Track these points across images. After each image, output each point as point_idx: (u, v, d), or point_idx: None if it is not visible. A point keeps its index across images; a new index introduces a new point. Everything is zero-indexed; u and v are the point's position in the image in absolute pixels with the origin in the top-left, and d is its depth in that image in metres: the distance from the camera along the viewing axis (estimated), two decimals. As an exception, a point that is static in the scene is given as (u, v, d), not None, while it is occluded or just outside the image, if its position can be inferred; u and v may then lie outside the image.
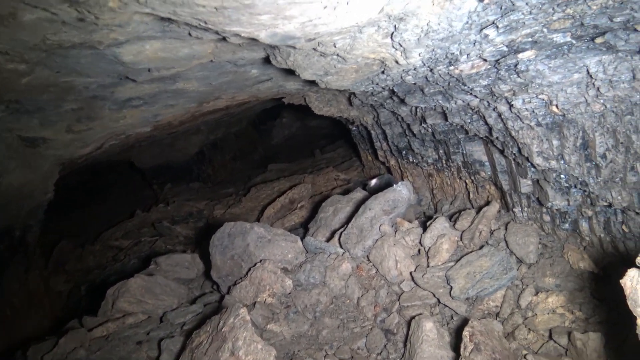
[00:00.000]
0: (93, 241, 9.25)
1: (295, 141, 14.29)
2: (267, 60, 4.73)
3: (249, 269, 4.67)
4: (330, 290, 4.49)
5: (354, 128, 7.63)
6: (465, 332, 3.29)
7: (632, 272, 2.07)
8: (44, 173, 6.21)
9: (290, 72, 5.57)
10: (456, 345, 3.47)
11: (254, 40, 3.30)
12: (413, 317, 3.84)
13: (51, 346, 4.26)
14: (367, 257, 4.67)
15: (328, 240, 5.20)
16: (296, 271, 4.72)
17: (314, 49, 3.64)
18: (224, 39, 3.49)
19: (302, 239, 5.14)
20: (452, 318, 3.93)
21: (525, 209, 4.18)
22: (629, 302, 2.08)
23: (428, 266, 4.34)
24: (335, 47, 3.48)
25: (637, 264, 2.02)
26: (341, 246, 4.88)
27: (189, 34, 3.53)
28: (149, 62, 4.11)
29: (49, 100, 4.78)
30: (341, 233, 4.96)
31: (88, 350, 4.18)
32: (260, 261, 4.69)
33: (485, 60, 3.05)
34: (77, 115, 5.50)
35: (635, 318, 2.08)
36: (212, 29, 3.11)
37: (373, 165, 8.06)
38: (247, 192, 9.32)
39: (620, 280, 2.10)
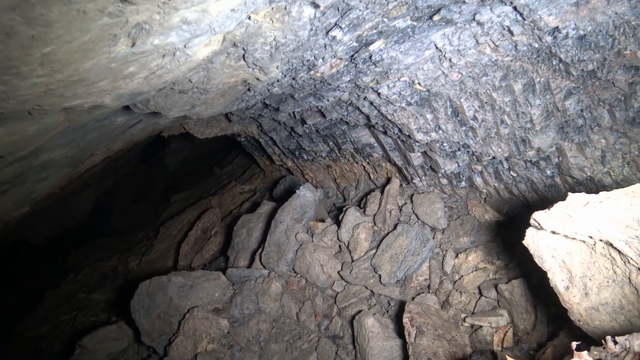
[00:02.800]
0: (7, 339, 8.43)
1: (190, 164, 13.82)
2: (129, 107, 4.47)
3: (180, 323, 4.45)
4: (267, 315, 4.39)
5: (243, 139, 7.48)
6: (405, 319, 3.34)
7: (530, 232, 2.16)
8: None
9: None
10: (401, 330, 3.52)
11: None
12: (354, 316, 3.85)
13: None
14: (293, 270, 4.62)
15: (250, 264, 5.08)
16: (228, 308, 4.56)
17: (172, 89, 3.47)
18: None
19: (225, 271, 4.98)
20: (389, 305, 3.98)
21: (423, 178, 4.30)
22: (536, 260, 2.18)
23: (353, 261, 4.36)
24: (191, 82, 3.34)
25: (531, 224, 2.11)
26: (264, 267, 4.78)
27: (30, 114, 3.22)
28: (-2, 150, 3.73)
29: None
30: (261, 254, 4.85)
31: None
32: (189, 310, 4.48)
33: (341, 58, 3.05)
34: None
35: (545, 272, 2.18)
36: (50, 107, 2.85)
37: (273, 168, 7.98)
38: (157, 233, 8.90)
39: (523, 242, 2.19)
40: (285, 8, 2.55)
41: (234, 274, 4.80)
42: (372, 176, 5.20)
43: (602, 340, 1.61)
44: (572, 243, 2.02)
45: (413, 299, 3.82)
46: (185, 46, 2.47)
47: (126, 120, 5.35)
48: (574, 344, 1.57)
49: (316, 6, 2.54)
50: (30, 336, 8.05)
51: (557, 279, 2.10)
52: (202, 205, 8.79)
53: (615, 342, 1.58)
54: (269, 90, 3.87)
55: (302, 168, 6.33)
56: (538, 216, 2.01)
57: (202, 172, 12.23)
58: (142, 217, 11.71)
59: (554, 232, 2.02)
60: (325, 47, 2.91)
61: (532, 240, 2.14)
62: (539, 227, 2.05)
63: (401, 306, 3.76)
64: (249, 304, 4.47)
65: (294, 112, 4.58)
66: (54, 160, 5.28)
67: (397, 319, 3.75)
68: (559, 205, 1.95)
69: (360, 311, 3.90)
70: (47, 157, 5.05)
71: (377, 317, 3.71)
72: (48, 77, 2.14)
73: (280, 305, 4.43)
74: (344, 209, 4.86)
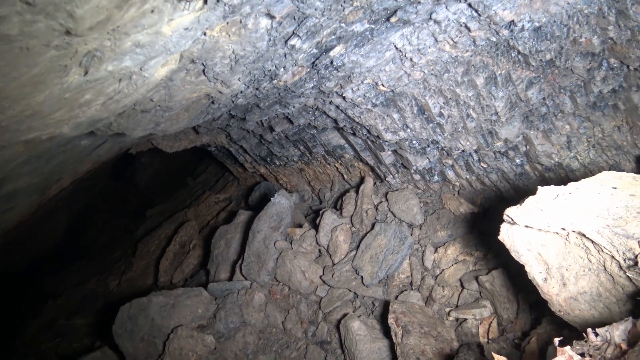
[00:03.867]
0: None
1: (163, 176, 13.62)
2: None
3: (164, 344, 4.37)
4: (252, 327, 4.35)
5: (214, 149, 7.39)
6: (391, 320, 3.34)
7: (504, 227, 2.17)
8: None
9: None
10: (387, 330, 3.52)
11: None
12: (340, 320, 3.84)
13: None
14: (275, 278, 4.58)
15: (231, 276, 5.03)
16: (213, 323, 4.50)
17: (134, 109, 3.39)
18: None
19: (206, 286, 4.91)
20: (374, 305, 3.98)
21: (396, 175, 4.31)
22: (512, 254, 2.19)
23: (334, 264, 4.35)
24: (153, 101, 3.27)
25: (505, 219, 2.12)
26: (246, 278, 4.73)
27: (-12, 148, 3.11)
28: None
29: None
30: (241, 265, 4.81)
31: None
32: (172, 330, 4.41)
33: (302, 66, 3.02)
34: None
35: (522, 266, 2.20)
36: (6, 144, 2.76)
37: (246, 175, 7.91)
38: (135, 250, 8.76)
39: (498, 237, 2.21)
40: (241, 21, 2.51)
41: (215, 288, 4.74)
42: (345, 177, 5.20)
43: (584, 333, 1.62)
44: (546, 235, 2.03)
45: (397, 297, 3.83)
46: (141, 69, 2.41)
47: (91, 142, 5.22)
48: (556, 340, 1.58)
49: (272, 17, 2.51)
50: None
51: (535, 272, 2.12)
52: (178, 219, 8.68)
53: (597, 334, 1.59)
54: (233, 101, 3.82)
55: (275, 173, 6.29)
56: (511, 212, 2.02)
57: (176, 184, 12.07)
58: (118, 235, 11.52)
59: (527, 227, 2.03)
60: (285, 56, 2.88)
61: (506, 235, 2.15)
62: (513, 222, 2.06)
63: (386, 306, 3.76)
64: (233, 317, 4.42)
65: (261, 121, 4.54)
66: (19, 189, 5.14)
67: (383, 320, 3.75)
68: (529, 200, 1.96)
69: (345, 314, 3.89)
70: (12, 187, 4.91)
71: (363, 319, 3.71)
72: (-1, 114, 2.07)
73: (265, 315, 4.40)
74: (321, 212, 4.84)
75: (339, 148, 4.62)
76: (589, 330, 1.61)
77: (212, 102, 3.90)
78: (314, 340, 4.07)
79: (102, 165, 10.10)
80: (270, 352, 4.19)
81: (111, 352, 5.34)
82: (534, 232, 2.06)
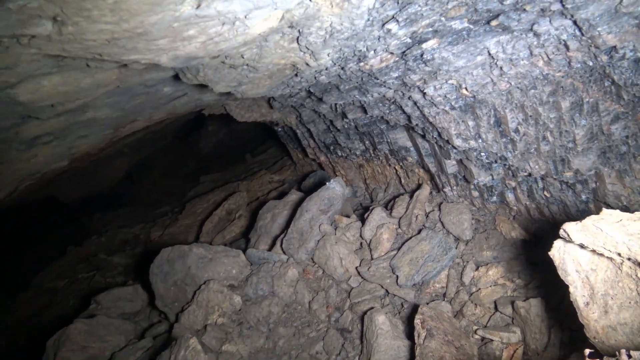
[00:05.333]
0: (24, 288, 8.69)
1: (224, 148, 14.02)
2: (178, 77, 4.59)
3: (195, 293, 4.53)
4: (280, 299, 4.44)
5: (280, 129, 7.57)
6: (417, 320, 3.35)
7: (557, 244, 2.16)
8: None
9: (204, 85, 5.45)
10: (410, 332, 3.52)
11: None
12: (365, 312, 3.87)
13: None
14: (312, 259, 4.66)
15: (270, 248, 5.14)
16: (243, 286, 4.63)
17: (223, 62, 3.56)
18: (126, 65, 3.34)
19: (245, 251, 5.05)
20: (402, 306, 3.99)
21: (455, 187, 4.30)
22: (559, 272, 2.17)
23: (372, 258, 4.38)
24: (243, 58, 3.41)
25: (560, 235, 2.10)
26: (284, 252, 4.83)
27: (88, 65, 3.35)
28: (49, 98, 3.86)
29: (-54, 151, 4.42)
30: (282, 239, 4.91)
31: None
32: (205, 282, 4.56)
33: (392, 53, 3.08)
34: (-19, 162, 5.13)
35: (567, 286, 2.17)
36: (109, 58, 2.96)
37: (305, 162, 8.05)
38: (183, 209, 9.06)
39: (549, 253, 2.19)
40: (347, -6, 2.60)
41: (253, 254, 4.87)
42: (402, 181, 5.22)
43: (616, 352, 1.60)
44: (598, 260, 2.01)
45: (427, 304, 3.81)
46: (245, 17, 2.54)
47: (172, 92, 5.49)
48: (587, 351, 1.57)
49: (378, -4, 2.58)
50: (46, 288, 8.29)
51: (578, 294, 2.10)
52: (229, 188, 8.91)
53: (630, 356, 1.57)
54: (315, 78, 3.93)
55: (334, 164, 6.38)
56: (568, 227, 2.01)
57: (234, 158, 12.38)
58: (170, 192, 11.94)
59: (582, 246, 2.01)
60: (378, 39, 2.96)
61: (558, 252, 2.14)
62: (568, 239, 2.04)
63: (414, 309, 3.76)
64: (264, 285, 4.53)
65: (336, 105, 4.63)
66: (98, 119, 5.45)
67: (408, 321, 3.75)
68: (591, 218, 1.94)
69: (372, 308, 3.91)
70: (93, 115, 5.21)
71: (389, 317, 3.72)
72: (115, 25, 2.24)
73: (294, 291, 4.48)
74: (370, 208, 4.88)
75: (403, 149, 4.65)
76: (622, 350, 1.59)
77: (296, 75, 4.03)
78: (336, 326, 4.11)
79: (172, 123, 10.52)
80: (290, 327, 4.26)
81: (142, 291, 5.60)
82: (587, 253, 2.03)
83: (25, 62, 2.96)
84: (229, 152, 13.31)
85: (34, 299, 8.13)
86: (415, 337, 3.30)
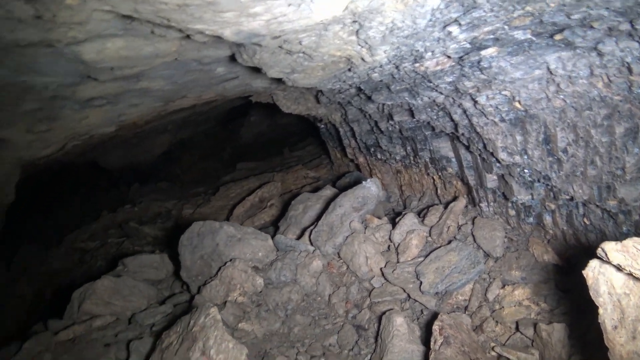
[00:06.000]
0: (57, 244, 9.01)
1: (264, 139, 14.20)
2: (233, 58, 4.68)
3: (219, 268, 4.62)
4: (301, 287, 4.48)
5: (322, 126, 7.63)
6: (435, 326, 3.33)
7: (593, 263, 2.13)
8: (4, 175, 6.02)
9: (256, 70, 5.52)
10: (426, 339, 3.51)
11: (219, 38, 3.27)
12: (384, 313, 3.87)
13: (15, 350, 4.13)
14: (338, 254, 4.69)
15: (298, 238, 5.20)
16: (267, 269, 4.70)
17: (280, 47, 3.62)
18: (189, 36, 3.44)
19: (273, 237, 5.12)
20: (422, 313, 3.97)
21: (492, 203, 4.26)
22: (591, 292, 2.14)
23: (398, 262, 4.38)
24: (301, 44, 3.46)
25: (598, 255, 2.08)
26: (312, 244, 4.88)
27: (152, 32, 3.46)
28: (111, 60, 4.00)
29: (6, 100, 4.62)
30: (311, 230, 4.96)
31: (54, 353, 4.06)
32: (231, 260, 4.65)
33: (449, 57, 3.09)
34: (37, 115, 5.34)
35: (597, 307, 2.14)
36: (175, 27, 3.06)
37: (342, 162, 8.09)
38: (216, 191, 9.23)
39: (583, 271, 2.17)
40: (414, -9, 2.62)
41: (281, 240, 4.93)
42: (439, 191, 5.19)
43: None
44: (633, 284, 1.97)
45: (448, 313, 3.79)
46: (312, 1, 2.59)
47: (225, 73, 5.61)
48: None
49: (443, -3, 2.60)
50: (77, 247, 8.57)
51: (608, 317, 2.06)
52: (264, 178, 9.02)
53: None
54: (368, 74, 3.96)
55: (372, 167, 6.40)
56: (607, 246, 1.98)
57: (272, 150, 12.53)
58: (205, 174, 12.17)
59: (618, 268, 1.98)
60: (438, 41, 2.97)
61: (592, 271, 2.11)
62: (605, 259, 2.02)
63: (433, 317, 3.74)
64: (287, 272, 4.58)
65: (383, 105, 4.65)
66: (150, 90, 5.61)
67: (426, 328, 3.74)
68: (632, 239, 1.91)
69: (391, 309, 3.91)
70: (146, 85, 5.37)
71: (407, 320, 3.71)
72: (188, -11, 2.33)
73: (316, 282, 4.51)
74: (403, 213, 4.88)
75: (444, 159, 4.64)
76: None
77: (349, 69, 4.07)
78: (352, 322, 4.13)
79: (217, 108, 10.72)
80: (307, 316, 4.30)
81: (168, 261, 5.73)
82: (622, 276, 2.00)
83: (96, 20, 3.09)
84: (268, 144, 13.48)
85: (65, 255, 8.42)
86: (432, 343, 3.28)
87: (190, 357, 3.19)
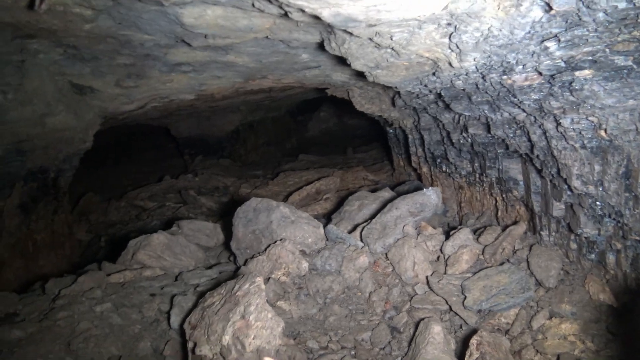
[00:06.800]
0: (119, 198, 9.47)
1: (329, 136, 14.36)
2: (319, 47, 4.78)
3: (268, 245, 4.73)
4: (344, 279, 4.52)
5: (391, 130, 7.63)
6: (473, 340, 3.28)
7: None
8: (86, 122, 6.39)
9: (339, 63, 5.62)
10: (461, 353, 3.46)
11: (315, 19, 3.35)
12: (422, 319, 3.84)
13: (70, 282, 4.41)
14: (386, 254, 4.69)
15: (349, 233, 5.23)
16: (314, 256, 4.76)
17: (370, 39, 3.66)
18: (285, 14, 3.54)
19: (324, 226, 5.19)
20: (460, 327, 3.92)
21: (553, 233, 4.14)
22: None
23: (445, 273, 4.34)
24: (391, 39, 3.49)
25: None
26: (362, 240, 4.90)
27: (252, 5, 3.58)
28: (207, 27, 4.18)
29: (104, 51, 4.92)
30: (364, 227, 4.99)
31: (104, 292, 4.30)
32: (281, 239, 4.75)
33: (540, 73, 3.04)
34: (127, 70, 5.65)
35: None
36: (276, 2, 3.17)
37: (403, 171, 8.06)
38: (275, 177, 9.43)
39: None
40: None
41: (332, 231, 4.99)
42: (499, 214, 5.09)
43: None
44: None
45: (487, 331, 3.72)
46: (415, -7, 2.62)
47: (308, 60, 5.73)
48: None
49: (547, 10, 2.55)
50: (136, 204, 8.97)
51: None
52: (324, 172, 9.13)
53: None
54: (452, 81, 3.94)
55: (434, 178, 6.34)
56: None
57: (336, 148, 12.65)
58: (267, 159, 12.42)
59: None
60: (532, 55, 2.92)
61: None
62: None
63: (472, 332, 3.67)
64: (333, 262, 4.62)
65: (460, 116, 4.61)
66: (235, 65, 5.80)
67: (463, 343, 3.68)
68: None
69: (430, 317, 3.88)
70: (233, 59, 5.56)
71: (444, 331, 3.67)
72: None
73: (360, 277, 4.53)
74: (458, 227, 4.82)
75: (512, 181, 4.54)
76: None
77: (433, 73, 4.06)
78: (388, 323, 4.12)
79: (289, 98, 10.93)
80: (345, 308, 4.33)
81: (220, 231, 5.92)
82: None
83: (203, -16, 3.26)
84: (333, 141, 13.62)
85: (124, 209, 8.84)
86: (466, 356, 3.24)
87: (230, 318, 3.30)
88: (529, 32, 2.76)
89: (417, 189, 6.24)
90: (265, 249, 4.72)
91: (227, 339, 3.21)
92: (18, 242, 6.05)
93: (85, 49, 4.83)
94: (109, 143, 12.17)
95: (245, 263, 4.78)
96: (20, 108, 4.92)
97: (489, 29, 2.91)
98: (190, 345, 3.48)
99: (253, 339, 3.16)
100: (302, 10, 3.02)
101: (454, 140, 5.12)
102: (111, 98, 6.31)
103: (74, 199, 9.25)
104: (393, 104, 6.21)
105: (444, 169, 5.92)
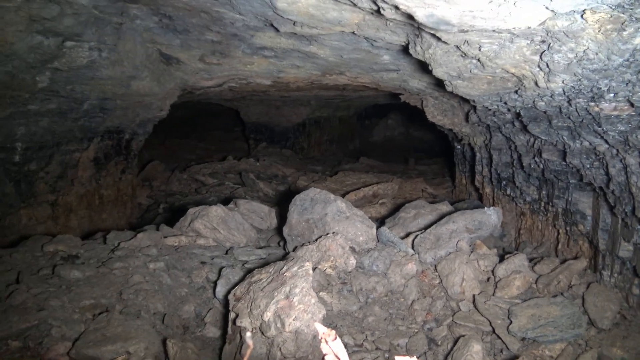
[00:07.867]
0: (182, 170, 9.82)
1: (393, 144, 14.29)
2: (402, 50, 4.78)
3: (320, 236, 4.77)
4: (389, 282, 4.50)
5: (459, 146, 7.52)
6: (514, 366, 3.20)
7: None
8: (166, 91, 6.66)
9: (418, 70, 5.60)
10: (498, 377, 3.38)
11: (405, 19, 3.37)
12: (462, 336, 3.78)
13: (129, 237, 4.63)
14: (435, 266, 4.63)
15: (402, 239, 5.20)
16: (362, 254, 4.77)
17: (457, 47, 3.63)
18: (377, 11, 3.55)
19: (377, 228, 5.18)
20: (501, 352, 3.81)
21: (616, 274, 3.96)
22: None
23: (493, 295, 4.23)
24: (479, 50, 3.45)
25: None
26: (413, 248, 4.87)
27: (348, -2, 3.62)
28: (298, 14, 4.25)
29: (196, 25, 5.11)
30: (417, 236, 4.95)
31: (159, 252, 4.49)
32: (333, 233, 4.78)
33: (632, 104, 2.92)
34: (213, 47, 5.84)
35: None
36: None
37: (464, 189, 7.91)
38: (334, 175, 9.49)
39: None
40: (623, 23, 2.50)
41: (385, 233, 4.98)
42: (559, 247, 4.91)
43: None
44: None
45: (529, 361, 3.61)
46: (514, 3, 2.57)
47: (388, 62, 5.74)
48: None
49: (652, 38, 2.46)
50: (197, 179, 9.26)
51: None
52: (383, 177, 9.11)
53: None
54: (534, 101, 3.85)
55: (496, 201, 6.20)
56: None
57: (398, 157, 12.59)
58: (328, 156, 12.51)
59: None
60: (626, 84, 2.82)
61: None
62: None
63: (512, 359, 3.59)
64: (380, 263, 4.61)
65: (535, 139, 4.49)
66: (316, 56, 5.88)
67: (501, 366, 3.60)
68: None
69: (471, 335, 3.80)
70: (314, 50, 5.65)
71: (484, 352, 3.60)
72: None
73: (405, 284, 4.50)
74: (514, 252, 4.70)
75: (579, 215, 4.38)
76: None
77: (516, 91, 3.98)
78: (427, 333, 4.07)
79: (360, 99, 10.96)
80: (386, 311, 4.31)
81: (274, 216, 6.04)
82: None
83: (305, -31, 3.33)
84: (396, 150, 13.57)
85: (185, 181, 9.16)
86: (504, 381, 3.16)
87: (275, 296, 3.36)
88: (628, 60, 2.66)
89: (477, 207, 6.13)
90: (316, 240, 4.77)
91: (268, 315, 3.27)
92: (87, 194, 6.40)
93: (179, 21, 5.04)
94: (181, 117, 12.61)
95: (294, 249, 4.85)
96: (111, 67, 5.20)
97: (584, 51, 2.82)
98: (232, 315, 3.58)
99: (293, 319, 3.22)
100: (397, 8, 3.03)
101: (524, 164, 4.99)
102: (193, 72, 6.55)
103: (141, 164, 9.67)
104: (466, 119, 6.11)
105: (508, 192, 5.78)
